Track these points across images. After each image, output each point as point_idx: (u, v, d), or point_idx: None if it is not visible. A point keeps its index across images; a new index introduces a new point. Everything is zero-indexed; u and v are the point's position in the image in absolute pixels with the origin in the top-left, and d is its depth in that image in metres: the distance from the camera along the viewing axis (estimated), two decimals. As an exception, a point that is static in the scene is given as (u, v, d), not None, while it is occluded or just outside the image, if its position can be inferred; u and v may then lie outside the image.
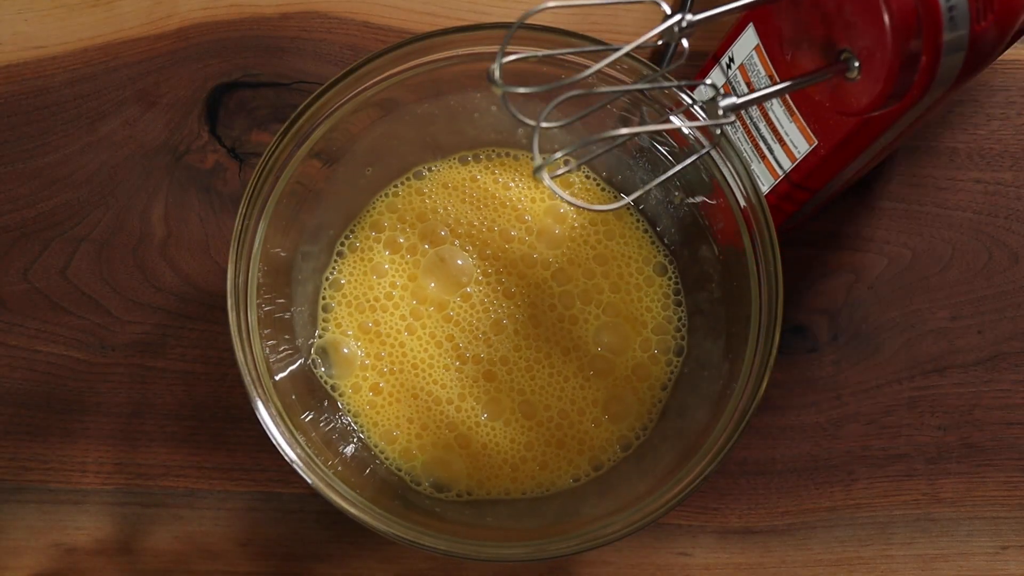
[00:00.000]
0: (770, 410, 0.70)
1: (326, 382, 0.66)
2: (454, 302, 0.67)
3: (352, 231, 0.68)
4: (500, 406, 0.67)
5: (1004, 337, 0.72)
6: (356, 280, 0.68)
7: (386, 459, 0.66)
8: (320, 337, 0.67)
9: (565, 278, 0.68)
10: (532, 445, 0.66)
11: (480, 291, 0.68)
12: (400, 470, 0.66)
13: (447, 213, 0.68)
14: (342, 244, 0.68)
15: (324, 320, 0.67)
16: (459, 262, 0.68)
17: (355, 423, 0.67)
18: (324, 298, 0.68)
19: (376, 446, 0.66)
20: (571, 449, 0.67)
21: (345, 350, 0.67)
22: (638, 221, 0.70)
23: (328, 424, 0.66)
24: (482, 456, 0.66)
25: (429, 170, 0.69)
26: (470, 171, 0.70)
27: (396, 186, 0.69)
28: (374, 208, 0.68)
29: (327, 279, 0.68)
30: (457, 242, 0.68)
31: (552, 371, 0.67)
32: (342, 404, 0.67)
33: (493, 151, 0.70)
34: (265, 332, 0.62)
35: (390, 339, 0.67)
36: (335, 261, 0.68)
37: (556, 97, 0.49)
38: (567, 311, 0.68)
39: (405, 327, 0.67)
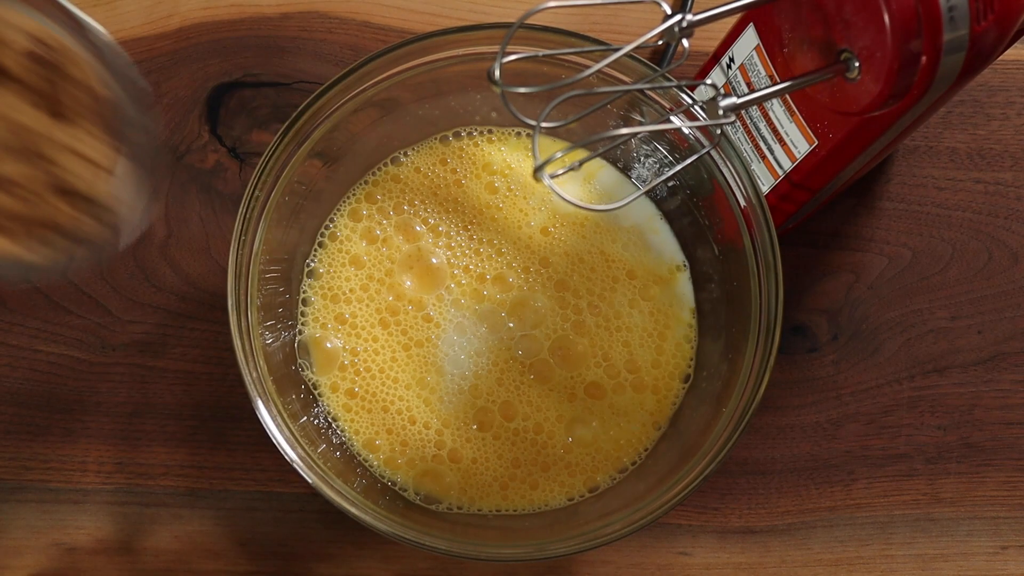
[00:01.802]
0: (770, 410, 0.70)
1: (308, 379, 0.66)
2: (431, 302, 0.66)
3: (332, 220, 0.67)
4: (484, 420, 0.66)
5: (1004, 337, 0.72)
6: (335, 272, 0.66)
7: (371, 467, 0.66)
8: (300, 332, 0.66)
9: (562, 285, 0.67)
10: (520, 463, 0.66)
11: (460, 291, 0.67)
12: (383, 477, 0.65)
13: (424, 205, 0.67)
14: (322, 235, 0.67)
15: (302, 314, 0.66)
16: (433, 260, 0.67)
17: (337, 427, 0.66)
18: (304, 291, 0.66)
19: (359, 454, 0.66)
20: (560, 471, 0.65)
21: (328, 344, 0.66)
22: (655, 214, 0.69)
23: (325, 424, 0.66)
24: (471, 472, 0.65)
25: (405, 155, 0.68)
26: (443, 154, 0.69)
27: (374, 173, 0.67)
28: (352, 196, 0.67)
29: (307, 267, 0.67)
30: (431, 238, 0.67)
31: (540, 389, 0.66)
32: (322, 404, 0.66)
33: (475, 129, 0.68)
34: (265, 331, 0.62)
35: (364, 333, 0.66)
36: (315, 251, 0.67)
37: (556, 97, 0.49)
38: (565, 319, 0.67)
39: (379, 321, 0.66)
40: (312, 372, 0.65)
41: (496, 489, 0.65)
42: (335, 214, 0.67)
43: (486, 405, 0.66)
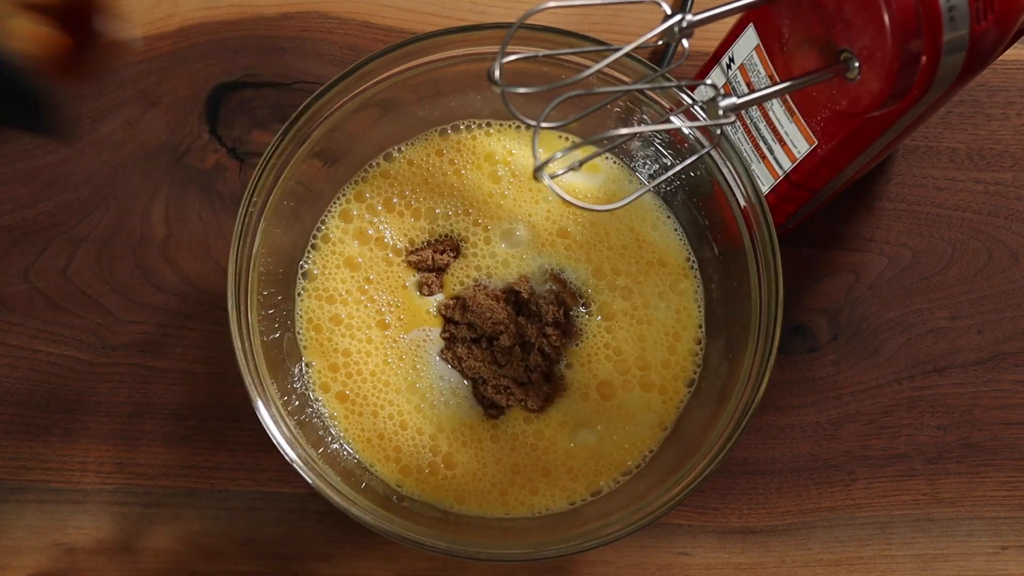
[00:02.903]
0: (770, 410, 0.70)
1: (305, 379, 0.65)
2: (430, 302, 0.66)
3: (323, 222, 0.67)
4: (473, 431, 0.65)
5: (1004, 337, 0.72)
6: (328, 273, 0.66)
7: (369, 467, 0.65)
8: (298, 333, 0.66)
9: (597, 271, 0.67)
10: (519, 468, 0.65)
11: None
12: (383, 477, 0.65)
13: (416, 196, 0.67)
14: (315, 236, 0.66)
15: (300, 315, 0.66)
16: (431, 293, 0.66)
17: (334, 428, 0.65)
18: (300, 292, 0.66)
19: (356, 455, 0.65)
20: (561, 475, 0.65)
21: (321, 346, 0.66)
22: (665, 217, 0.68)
23: (323, 425, 0.66)
24: (469, 478, 0.65)
25: (399, 150, 0.67)
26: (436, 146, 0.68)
27: (365, 171, 0.67)
28: (343, 196, 0.67)
29: (301, 269, 0.66)
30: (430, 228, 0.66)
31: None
32: (316, 406, 0.65)
33: (473, 122, 0.68)
34: (265, 331, 0.62)
35: (359, 335, 0.66)
36: (309, 253, 0.66)
37: (556, 97, 0.49)
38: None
39: (376, 323, 0.66)
40: (307, 372, 0.65)
41: (495, 495, 0.65)
42: (327, 215, 0.66)
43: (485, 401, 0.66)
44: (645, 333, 0.66)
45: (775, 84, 0.55)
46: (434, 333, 0.66)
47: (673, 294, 0.66)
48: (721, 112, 0.52)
